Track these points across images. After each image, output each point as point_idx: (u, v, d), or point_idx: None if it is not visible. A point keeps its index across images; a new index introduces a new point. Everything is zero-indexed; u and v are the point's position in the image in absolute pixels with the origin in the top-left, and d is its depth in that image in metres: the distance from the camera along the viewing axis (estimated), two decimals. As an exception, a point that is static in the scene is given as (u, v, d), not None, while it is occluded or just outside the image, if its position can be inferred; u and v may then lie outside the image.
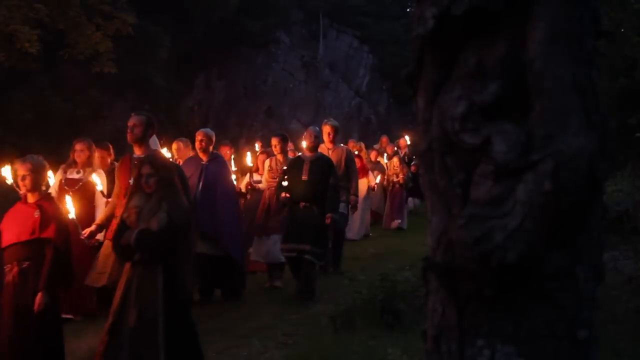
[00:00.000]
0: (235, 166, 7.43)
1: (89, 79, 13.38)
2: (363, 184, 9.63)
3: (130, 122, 4.67)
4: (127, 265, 3.43)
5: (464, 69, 1.01)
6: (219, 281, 5.86)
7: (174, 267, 3.38)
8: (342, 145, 7.45)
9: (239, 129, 18.86)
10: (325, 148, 6.97)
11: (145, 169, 3.44)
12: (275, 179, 6.44)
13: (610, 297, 3.88)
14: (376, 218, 11.00)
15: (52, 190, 5.17)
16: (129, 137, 4.69)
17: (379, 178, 10.41)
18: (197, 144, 5.97)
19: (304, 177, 5.84)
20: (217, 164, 5.97)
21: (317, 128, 6.39)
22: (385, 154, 11.66)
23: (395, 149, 12.43)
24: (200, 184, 5.74)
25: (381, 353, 3.67)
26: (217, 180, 5.83)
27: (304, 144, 6.31)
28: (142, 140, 4.66)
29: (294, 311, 5.52)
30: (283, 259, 6.22)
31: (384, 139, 12.73)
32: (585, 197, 0.93)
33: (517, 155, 0.93)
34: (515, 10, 0.96)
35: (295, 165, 6.05)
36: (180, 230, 3.37)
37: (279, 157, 6.70)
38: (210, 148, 5.99)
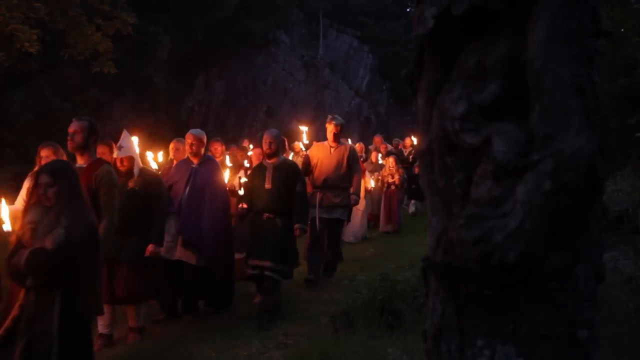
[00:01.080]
0: (231, 162, 7.17)
1: (89, 79, 13.40)
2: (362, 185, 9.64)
3: (70, 129, 4.23)
4: (21, 291, 2.99)
5: (463, 69, 1.01)
6: (202, 291, 5.47)
7: (74, 292, 2.96)
8: (345, 143, 7.03)
9: (239, 129, 18.87)
10: (327, 145, 6.65)
11: (43, 179, 3.00)
12: None
13: (610, 297, 3.88)
14: (370, 218, 10.65)
15: (20, 198, 4.80)
16: (69, 145, 4.24)
17: (372, 182, 10.08)
18: (187, 148, 5.58)
19: (267, 186, 5.26)
20: (208, 167, 5.55)
21: (276, 130, 5.64)
22: (380, 154, 11.53)
23: (391, 148, 12.37)
24: (187, 188, 5.38)
25: (381, 353, 3.67)
26: (206, 185, 5.44)
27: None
28: (85, 149, 4.21)
29: (294, 311, 5.52)
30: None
31: (377, 138, 12.66)
32: (585, 197, 0.93)
33: (517, 155, 0.93)
34: (515, 10, 0.96)
35: (257, 172, 5.47)
36: (82, 249, 2.95)
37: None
38: (202, 150, 5.60)
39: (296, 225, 5.21)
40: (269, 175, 5.29)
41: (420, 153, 1.10)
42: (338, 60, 23.77)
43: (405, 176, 10.49)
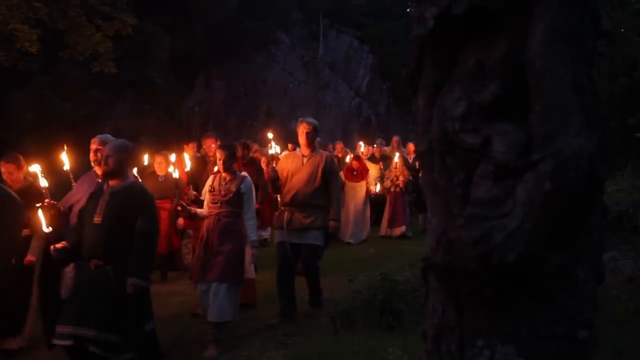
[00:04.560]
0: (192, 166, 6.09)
1: (89, 79, 13.39)
2: (362, 187, 9.54)
3: None
4: None
5: (463, 69, 1.01)
6: None
7: None
8: (321, 150, 5.71)
9: (239, 129, 18.86)
10: (299, 154, 5.45)
11: None
12: (217, 203, 4.79)
13: (610, 297, 3.88)
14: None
15: None
16: None
17: (378, 186, 9.73)
18: (91, 155, 4.38)
19: (97, 219, 3.62)
20: None
21: (121, 141, 4.00)
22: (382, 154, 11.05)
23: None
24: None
25: (381, 353, 3.67)
26: None
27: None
28: None
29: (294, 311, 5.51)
30: (227, 317, 4.59)
31: (396, 139, 12.18)
32: (585, 197, 0.93)
33: (517, 156, 0.93)
34: (515, 10, 0.96)
35: (91, 199, 3.81)
36: None
37: (225, 175, 4.86)
38: None
39: (129, 280, 3.52)
40: (102, 204, 3.67)
41: (420, 153, 1.10)
42: (338, 60, 23.77)
43: (411, 178, 9.98)
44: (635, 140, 7.12)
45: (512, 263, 0.91)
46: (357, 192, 9.49)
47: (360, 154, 10.25)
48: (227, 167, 4.82)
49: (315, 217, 5.23)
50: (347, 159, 10.22)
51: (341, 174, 9.10)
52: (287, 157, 5.68)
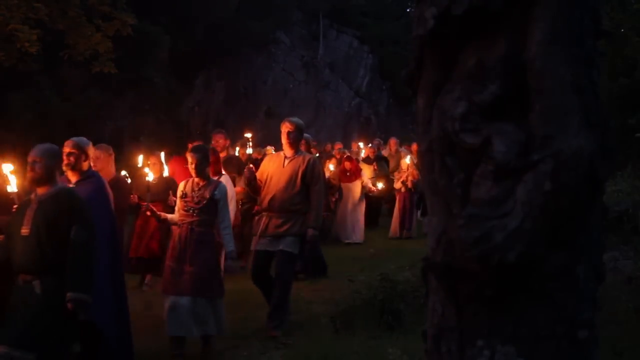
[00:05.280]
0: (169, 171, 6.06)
1: (89, 79, 13.40)
2: (357, 186, 9.51)
3: None
4: None
5: (463, 69, 1.01)
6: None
7: None
8: (305, 153, 5.40)
9: (239, 129, 18.88)
10: (281, 156, 5.13)
11: None
12: (189, 211, 4.42)
13: (610, 297, 3.88)
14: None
15: None
16: None
17: (380, 184, 9.75)
18: (64, 158, 3.88)
19: (24, 231, 3.32)
20: (87, 187, 3.87)
21: (47, 145, 3.56)
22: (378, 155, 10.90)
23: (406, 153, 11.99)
24: None
25: (381, 353, 3.67)
26: None
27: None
28: None
29: (294, 311, 5.51)
30: (212, 331, 4.37)
31: (393, 140, 12.10)
32: (585, 197, 0.93)
33: (517, 156, 0.93)
34: (515, 10, 0.96)
35: (19, 209, 3.50)
36: None
37: (198, 180, 4.51)
38: (84, 164, 3.94)
39: (68, 295, 3.18)
40: (29, 214, 3.35)
41: (420, 153, 1.10)
42: (338, 60, 23.78)
43: (419, 178, 10.08)
44: (635, 140, 7.13)
45: (512, 263, 0.91)
46: (353, 192, 9.51)
47: (352, 155, 10.27)
48: (199, 172, 4.47)
49: (291, 223, 4.87)
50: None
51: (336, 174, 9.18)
52: (269, 159, 5.42)
